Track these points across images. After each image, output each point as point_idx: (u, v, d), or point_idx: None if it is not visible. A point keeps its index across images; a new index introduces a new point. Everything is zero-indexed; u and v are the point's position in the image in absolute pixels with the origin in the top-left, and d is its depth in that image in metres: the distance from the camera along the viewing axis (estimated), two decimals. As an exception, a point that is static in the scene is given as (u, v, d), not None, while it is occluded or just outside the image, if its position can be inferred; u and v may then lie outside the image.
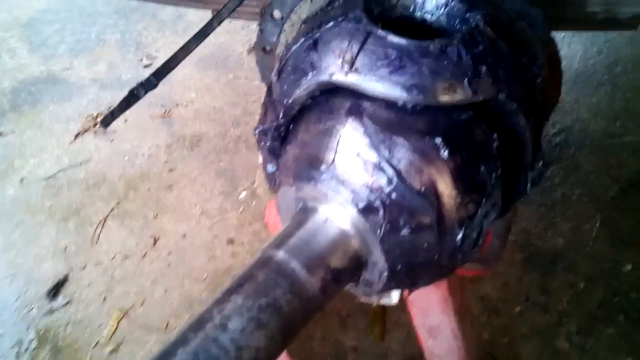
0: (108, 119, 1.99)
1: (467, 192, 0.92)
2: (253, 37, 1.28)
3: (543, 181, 2.56)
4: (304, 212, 0.93)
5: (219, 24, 1.55)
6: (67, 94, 3.16)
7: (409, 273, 0.95)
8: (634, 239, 2.40)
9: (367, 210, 0.88)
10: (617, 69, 3.14)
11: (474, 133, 0.94)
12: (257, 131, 1.07)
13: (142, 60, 3.35)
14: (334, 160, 0.90)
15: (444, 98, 0.88)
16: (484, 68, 0.89)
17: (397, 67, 0.87)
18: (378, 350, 2.13)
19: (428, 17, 1.04)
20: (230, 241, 2.48)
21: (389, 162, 0.87)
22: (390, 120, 0.89)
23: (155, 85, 1.81)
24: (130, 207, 2.62)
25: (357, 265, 0.92)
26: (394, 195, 0.87)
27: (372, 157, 0.88)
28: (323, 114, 0.95)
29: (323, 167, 0.90)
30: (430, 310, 1.50)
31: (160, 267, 2.40)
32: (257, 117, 1.11)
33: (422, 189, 0.88)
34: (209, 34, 1.60)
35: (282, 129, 1.03)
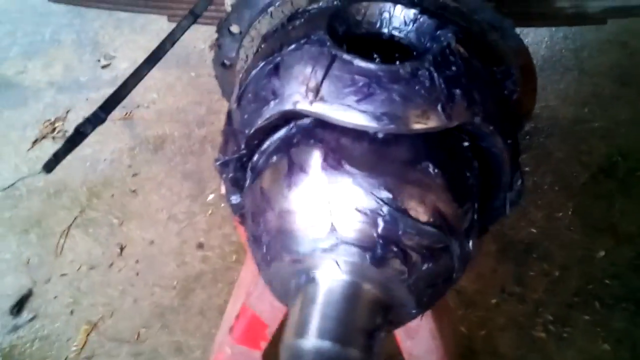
0: (52, 163, 1.67)
1: (462, 202, 0.88)
2: (214, 34, 1.23)
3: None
4: (311, 284, 0.86)
5: (172, 45, 1.46)
6: (22, 99, 3.06)
7: (432, 297, 0.92)
8: (606, 225, 2.40)
9: (382, 261, 0.82)
10: (584, 53, 3.14)
11: (455, 154, 0.90)
12: (218, 163, 1.00)
13: (99, 60, 3.24)
14: (330, 223, 0.83)
15: (417, 126, 0.82)
16: (457, 91, 0.84)
17: (366, 94, 0.81)
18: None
19: (396, 33, 0.98)
20: (200, 246, 2.42)
21: (388, 204, 0.81)
22: (368, 157, 0.84)
23: (103, 120, 1.61)
24: (94, 215, 2.54)
25: (385, 315, 0.88)
26: (405, 237, 0.82)
27: (369, 204, 0.82)
28: (295, 167, 0.87)
29: (320, 232, 0.83)
30: (407, 312, 1.47)
31: (128, 276, 2.33)
32: (222, 124, 1.05)
33: (430, 219, 0.83)
34: (161, 57, 1.49)
35: (244, 159, 0.97)
